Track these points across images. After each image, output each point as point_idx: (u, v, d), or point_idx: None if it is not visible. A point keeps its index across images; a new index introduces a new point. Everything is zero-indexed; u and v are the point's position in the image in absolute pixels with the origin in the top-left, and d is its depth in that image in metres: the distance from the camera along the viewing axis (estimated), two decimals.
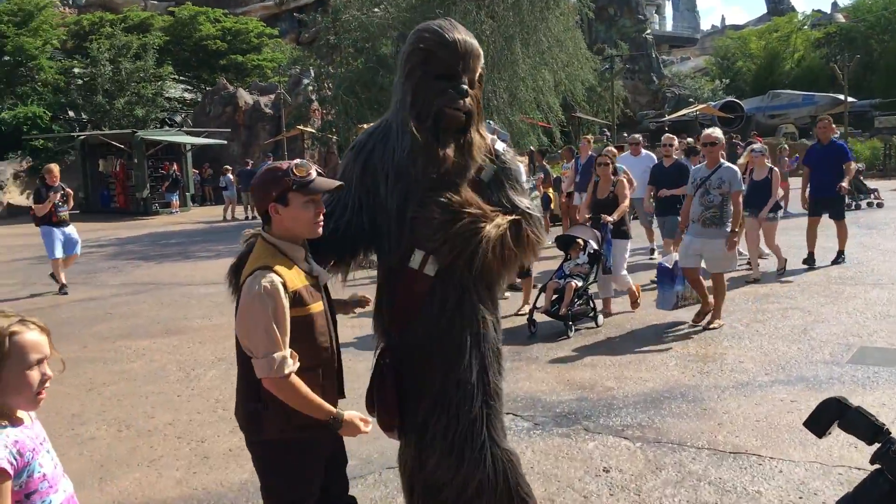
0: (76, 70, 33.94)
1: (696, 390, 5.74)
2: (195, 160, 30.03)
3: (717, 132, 7.79)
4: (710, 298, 7.65)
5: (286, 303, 2.54)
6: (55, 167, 11.68)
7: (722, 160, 7.63)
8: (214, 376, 6.62)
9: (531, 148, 17.12)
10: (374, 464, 4.64)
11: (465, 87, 2.94)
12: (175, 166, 27.89)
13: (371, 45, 23.60)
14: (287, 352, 2.54)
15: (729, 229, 7.42)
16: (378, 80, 23.47)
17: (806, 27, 53.16)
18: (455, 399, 2.99)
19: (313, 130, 28.90)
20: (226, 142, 30.29)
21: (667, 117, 36.34)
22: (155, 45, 33.95)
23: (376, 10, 23.57)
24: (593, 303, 8.10)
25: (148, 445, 5.15)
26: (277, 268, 2.58)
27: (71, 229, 11.51)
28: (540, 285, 8.29)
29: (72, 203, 11.64)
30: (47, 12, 34.46)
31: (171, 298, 10.56)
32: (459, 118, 2.96)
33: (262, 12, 49.11)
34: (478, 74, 3.02)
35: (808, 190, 10.82)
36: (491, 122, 3.36)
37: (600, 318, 8.07)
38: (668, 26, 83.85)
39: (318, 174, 2.71)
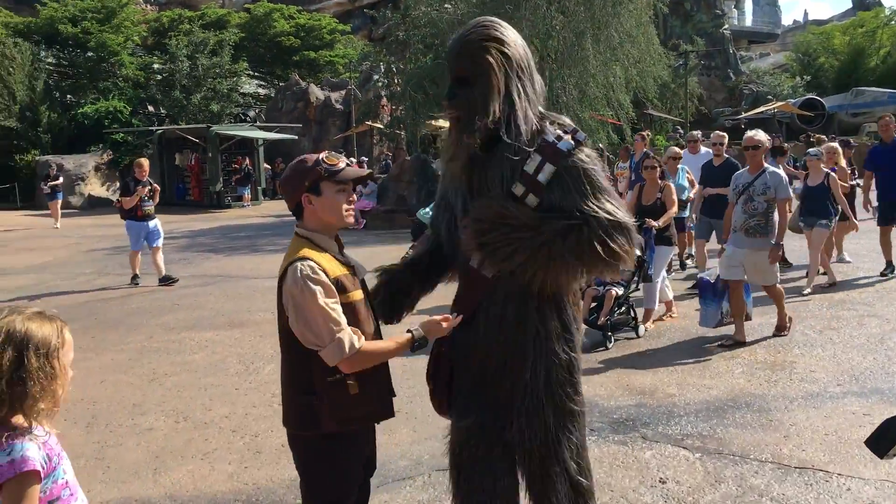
0: (155, 66, 34.90)
1: (762, 400, 5.51)
2: (267, 155, 30.56)
3: (759, 135, 7.22)
4: (786, 314, 7.29)
5: (331, 285, 2.57)
6: (145, 161, 11.68)
7: (766, 164, 7.17)
8: (272, 370, 6.67)
9: None
10: (423, 465, 4.59)
11: (450, 89, 2.85)
12: (247, 161, 28.43)
13: (440, 42, 23.57)
14: (348, 327, 2.57)
15: (775, 240, 6.93)
16: (447, 76, 23.45)
17: (893, 22, 50.95)
18: (525, 406, 2.88)
19: (382, 126, 29.09)
20: (297, 137, 30.73)
21: (743, 115, 35.32)
22: (231, 42, 34.65)
23: (447, 6, 23.53)
24: (634, 312, 7.64)
25: (203, 438, 5.21)
26: (313, 255, 2.60)
27: (155, 223, 11.49)
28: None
29: (157, 198, 11.59)
30: (129, 9, 35.52)
31: (236, 291, 10.73)
32: (450, 123, 2.93)
33: (335, 9, 49.70)
34: (475, 66, 2.81)
35: (871, 194, 10.23)
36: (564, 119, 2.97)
37: (641, 328, 7.61)
38: (748, 21, 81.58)
39: (347, 164, 2.74)
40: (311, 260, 2.57)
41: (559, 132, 2.86)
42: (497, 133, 2.82)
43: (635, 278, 7.52)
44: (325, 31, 40.87)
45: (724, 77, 41.80)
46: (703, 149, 11.08)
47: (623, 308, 7.51)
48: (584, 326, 6.95)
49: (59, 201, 22.54)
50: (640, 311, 7.79)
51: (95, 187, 29.58)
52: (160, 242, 11.63)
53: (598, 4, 20.38)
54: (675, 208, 7.96)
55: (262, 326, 8.39)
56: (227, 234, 18.58)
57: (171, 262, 13.73)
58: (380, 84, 31.21)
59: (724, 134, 10.22)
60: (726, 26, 44.82)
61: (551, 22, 20.27)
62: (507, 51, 2.83)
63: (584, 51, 20.22)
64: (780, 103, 32.75)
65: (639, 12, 21.90)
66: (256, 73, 39.81)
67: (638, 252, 7.00)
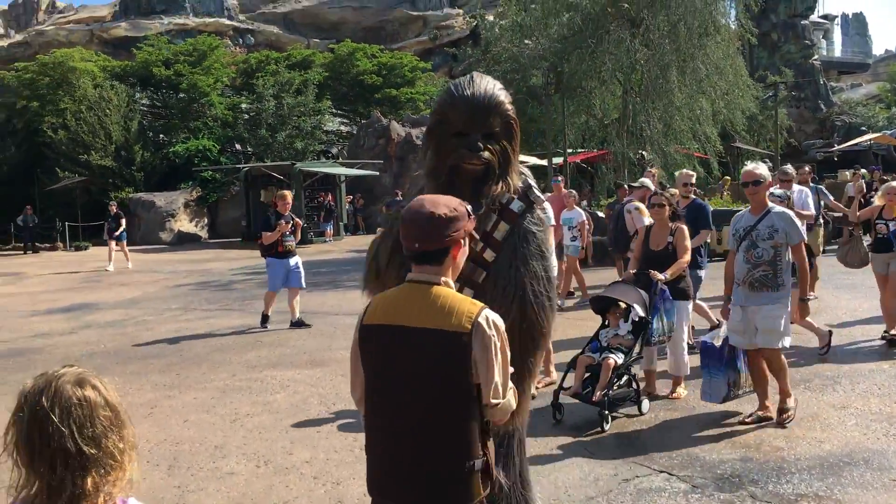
0: (243, 105, 35.96)
1: (881, 456, 5.03)
2: (349, 191, 30.95)
3: (760, 168, 5.93)
4: (789, 392, 5.89)
5: None
6: (289, 194, 10.96)
7: (771, 204, 5.91)
8: (355, 412, 6.50)
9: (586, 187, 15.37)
10: None
11: (479, 142, 3.10)
12: (329, 196, 28.83)
13: (521, 77, 23.53)
14: None
15: (785, 290, 5.72)
16: (528, 111, 23.32)
17: None
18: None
19: None
20: (378, 173, 31.04)
21: (836, 147, 34.04)
22: (315, 81, 35.46)
23: (527, 41, 23.51)
24: (637, 384, 6.35)
25: (284, 484, 5.05)
26: None
27: (296, 260, 10.71)
28: (570, 358, 6.59)
29: (299, 235, 10.93)
30: (219, 52, 36.83)
31: (317, 328, 10.67)
32: (475, 171, 3.13)
33: (416, 47, 50.49)
34: (502, 125, 3.19)
35: None
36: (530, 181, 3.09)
37: (645, 403, 6.30)
38: (837, 52, 79.22)
39: None
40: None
41: (511, 195, 3.19)
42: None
43: (638, 343, 6.37)
44: (406, 69, 41.46)
45: (815, 108, 40.49)
46: (797, 187, 9.72)
47: (623, 380, 6.25)
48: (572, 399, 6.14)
49: (124, 242, 20.81)
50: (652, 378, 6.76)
51: (184, 223, 30.47)
52: (302, 283, 10.87)
53: (683, 37, 20.00)
54: (687, 255, 6.62)
55: (342, 365, 8.25)
56: (310, 270, 18.61)
57: (256, 297, 13.85)
58: None
59: (692, 173, 9.29)
60: (815, 57, 43.52)
61: (635, 55, 19.94)
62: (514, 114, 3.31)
63: (670, 83, 19.82)
64: (875, 135, 31.41)
65: (726, 44, 21.42)
66: (339, 111, 40.57)
67: (639, 311, 6.32)
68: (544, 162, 22.43)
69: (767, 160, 30.57)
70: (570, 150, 22.40)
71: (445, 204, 2.46)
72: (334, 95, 39.04)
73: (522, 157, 23.45)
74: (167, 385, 7.70)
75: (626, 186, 12.88)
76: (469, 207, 2.54)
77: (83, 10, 54.83)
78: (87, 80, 32.78)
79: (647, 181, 10.36)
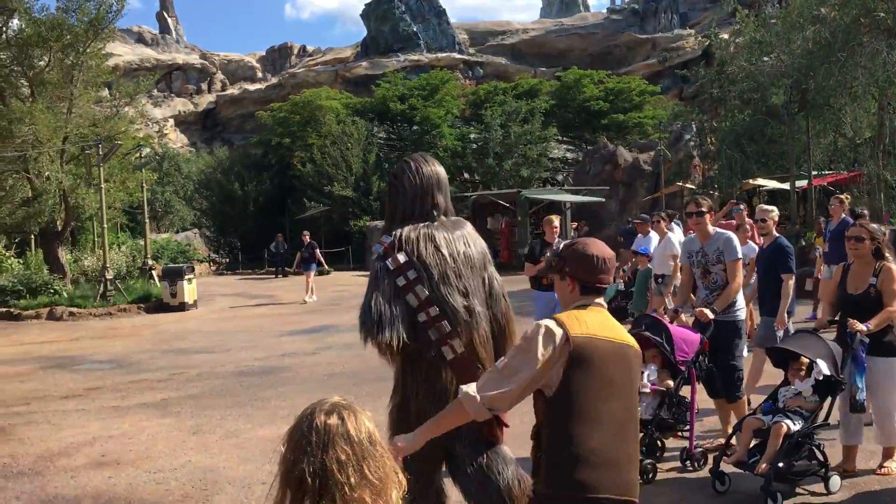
0: (471, 135, 37.05)
1: None
2: (574, 218, 30.77)
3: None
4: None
5: None
6: (556, 219, 9.86)
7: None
8: None
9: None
10: None
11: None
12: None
13: (760, 96, 22.21)
14: None
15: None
16: (767, 131, 21.96)
17: None
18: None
19: (693, 187, 27.94)
20: (604, 199, 30.59)
21: None
22: (541, 109, 35.78)
23: (766, 58, 22.19)
24: (822, 455, 5.17)
25: None
26: None
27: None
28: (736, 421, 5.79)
29: None
30: (450, 85, 38.30)
31: None
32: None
33: (644, 71, 49.43)
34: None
35: None
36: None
37: (834, 479, 5.15)
38: None
39: None
40: None
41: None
42: None
43: (824, 407, 5.27)
44: (634, 94, 40.69)
45: None
46: None
47: (803, 450, 5.11)
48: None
49: (311, 273, 20.22)
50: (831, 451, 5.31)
51: None
52: None
53: None
54: None
55: None
56: (531, 297, 18.69)
57: None
58: (691, 143, 30.14)
59: (772, 208, 7.32)
60: None
61: (893, 68, 18.11)
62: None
63: None
64: None
65: None
66: (565, 138, 40.60)
67: (825, 369, 5.23)
68: (786, 185, 20.94)
69: None
70: (815, 173, 20.73)
71: (608, 252, 2.97)
72: (560, 122, 39.14)
73: (761, 181, 21.89)
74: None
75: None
76: None
77: (329, 52, 59.41)
78: (331, 117, 35.40)
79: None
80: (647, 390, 5.73)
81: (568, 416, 2.61)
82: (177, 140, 50.33)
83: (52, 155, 20.19)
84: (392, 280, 3.62)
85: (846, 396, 5.27)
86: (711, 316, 5.77)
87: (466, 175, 36.53)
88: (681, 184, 28.06)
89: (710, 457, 5.66)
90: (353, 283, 24.89)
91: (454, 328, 3.63)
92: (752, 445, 5.27)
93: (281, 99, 42.84)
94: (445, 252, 3.77)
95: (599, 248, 2.82)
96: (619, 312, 11.10)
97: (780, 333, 6.58)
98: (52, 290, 19.30)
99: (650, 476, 5.41)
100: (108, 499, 5.75)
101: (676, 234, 12.86)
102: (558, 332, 2.64)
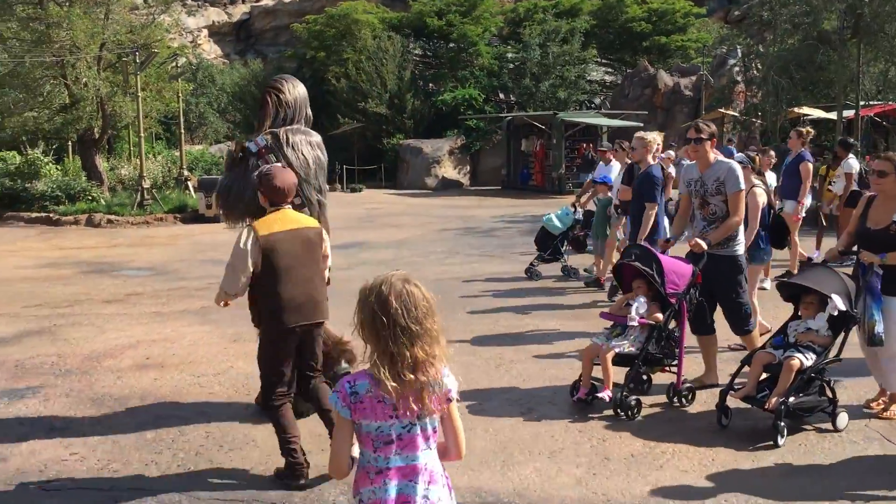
0: (509, 55, 36.25)
1: None
2: (610, 141, 30.29)
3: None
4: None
5: None
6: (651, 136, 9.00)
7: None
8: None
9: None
10: None
11: None
12: (590, 147, 28.40)
13: (812, 20, 21.39)
14: None
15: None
16: (817, 58, 21.24)
17: None
18: None
19: (735, 114, 27.31)
20: (642, 124, 30.00)
21: None
22: (582, 29, 34.84)
23: None
24: (832, 391, 5.11)
25: (549, 434, 5.04)
26: None
27: None
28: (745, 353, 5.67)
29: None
30: (489, 2, 37.29)
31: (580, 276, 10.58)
32: None
33: None
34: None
35: None
36: None
37: (842, 417, 5.09)
38: None
39: None
40: None
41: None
42: None
43: (836, 343, 5.11)
44: (678, 15, 39.36)
45: None
46: None
47: (813, 386, 5.07)
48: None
49: None
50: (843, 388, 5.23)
51: (448, 170, 31.59)
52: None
53: None
54: None
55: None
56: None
57: (515, 245, 14.03)
58: (736, 69, 29.31)
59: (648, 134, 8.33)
60: None
61: None
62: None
63: None
64: None
65: None
66: (604, 60, 39.64)
67: (841, 304, 5.33)
68: (832, 115, 20.37)
69: None
70: (862, 103, 20.09)
71: None
72: (600, 44, 38.11)
73: (806, 110, 21.30)
74: None
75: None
76: None
77: None
78: (367, 32, 34.77)
79: None
80: (636, 323, 5.51)
81: (269, 282, 4.34)
82: (210, 51, 49.86)
83: (89, 61, 20.11)
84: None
85: (863, 331, 5.13)
86: (705, 247, 5.55)
87: (502, 95, 35.92)
88: (723, 110, 27.43)
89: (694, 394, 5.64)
90: (385, 201, 24.92)
91: (312, 215, 5.03)
92: (761, 379, 5.17)
93: (316, 11, 42.01)
94: (308, 155, 5.26)
95: (282, 178, 4.47)
96: (577, 243, 10.95)
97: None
98: (90, 197, 19.54)
99: (634, 412, 5.29)
100: (154, 399, 5.91)
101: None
102: (251, 234, 4.32)
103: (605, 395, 5.38)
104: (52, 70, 20.11)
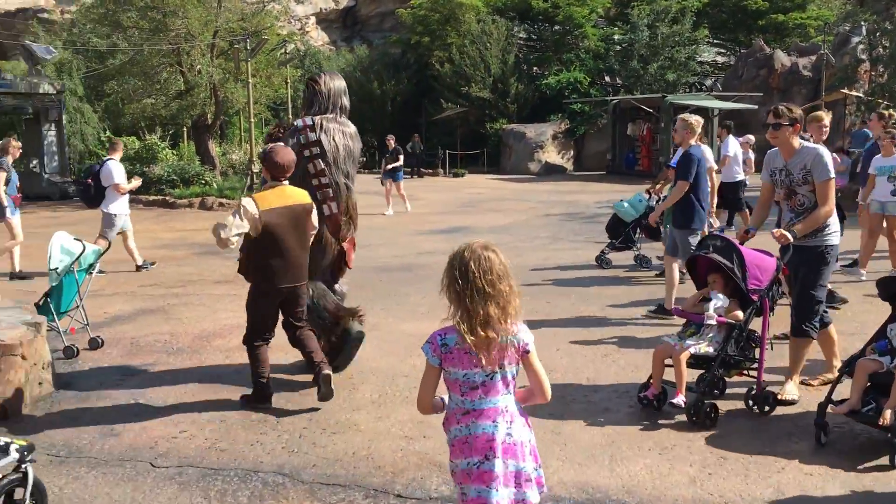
0: (616, 36, 35.34)
1: None
2: (721, 124, 29.14)
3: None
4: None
5: None
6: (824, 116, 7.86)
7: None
8: None
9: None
10: None
11: None
12: None
13: None
14: None
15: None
16: None
17: None
18: None
19: (860, 94, 25.76)
20: (756, 107, 28.74)
21: None
22: (693, 9, 33.60)
23: None
24: None
25: (659, 430, 4.80)
26: None
27: None
28: (843, 360, 5.09)
29: None
30: None
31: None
32: None
33: None
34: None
35: None
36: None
37: None
38: None
39: None
40: None
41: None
42: None
43: None
44: None
45: None
46: None
47: None
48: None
49: (400, 183, 18.16)
50: None
51: (552, 154, 31.16)
52: None
53: None
54: None
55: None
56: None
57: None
58: (860, 47, 27.64)
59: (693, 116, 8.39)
60: None
61: None
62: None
63: None
64: None
65: None
66: (716, 40, 38.16)
67: None
68: None
69: None
70: None
71: None
72: (713, 23, 36.67)
73: None
74: (537, 311, 7.83)
75: None
76: None
77: None
78: (471, 16, 34.59)
79: None
80: (713, 322, 4.99)
81: (262, 249, 5.12)
82: (317, 38, 50.83)
83: (203, 49, 20.80)
84: (300, 148, 5.70)
85: None
86: (791, 239, 4.98)
87: (608, 78, 35.08)
88: (845, 90, 25.93)
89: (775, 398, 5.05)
90: (488, 186, 24.81)
91: (336, 195, 5.79)
92: (866, 387, 4.55)
93: None
94: (339, 143, 5.82)
95: (283, 155, 5.19)
96: (650, 231, 10.18)
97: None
98: (203, 181, 20.24)
99: (712, 417, 4.80)
100: None
101: (731, 146, 12.30)
102: (253, 208, 5.02)
103: (679, 400, 4.87)
104: (169, 58, 20.90)
